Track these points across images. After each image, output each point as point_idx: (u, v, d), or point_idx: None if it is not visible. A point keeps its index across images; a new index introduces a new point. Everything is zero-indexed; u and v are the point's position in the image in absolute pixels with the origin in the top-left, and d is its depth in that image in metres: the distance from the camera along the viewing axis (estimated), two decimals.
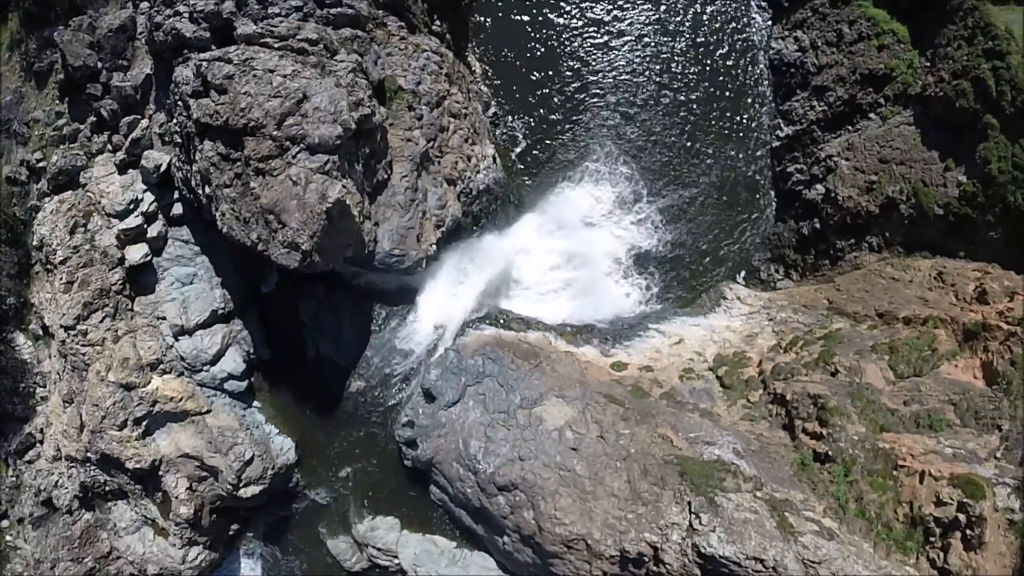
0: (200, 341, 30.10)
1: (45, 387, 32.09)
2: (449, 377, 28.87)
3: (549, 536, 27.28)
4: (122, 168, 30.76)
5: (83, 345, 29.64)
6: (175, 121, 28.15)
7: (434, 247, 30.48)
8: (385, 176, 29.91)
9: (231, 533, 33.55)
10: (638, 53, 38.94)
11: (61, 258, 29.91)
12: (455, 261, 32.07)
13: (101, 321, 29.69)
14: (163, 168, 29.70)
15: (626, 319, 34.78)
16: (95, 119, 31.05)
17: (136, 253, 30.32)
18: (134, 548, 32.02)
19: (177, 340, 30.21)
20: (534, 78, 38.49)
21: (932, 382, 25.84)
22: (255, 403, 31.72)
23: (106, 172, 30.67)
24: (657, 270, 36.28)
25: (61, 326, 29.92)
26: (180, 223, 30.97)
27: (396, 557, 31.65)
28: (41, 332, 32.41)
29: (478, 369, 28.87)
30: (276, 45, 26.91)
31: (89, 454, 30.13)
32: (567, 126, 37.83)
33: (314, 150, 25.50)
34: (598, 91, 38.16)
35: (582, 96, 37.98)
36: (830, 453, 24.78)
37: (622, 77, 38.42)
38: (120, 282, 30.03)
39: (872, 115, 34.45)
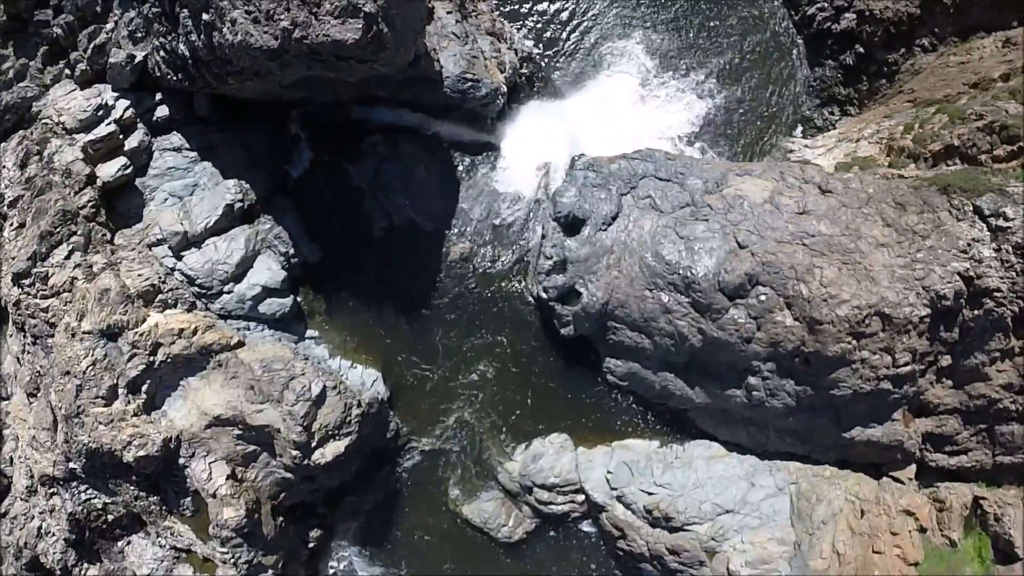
0: (214, 251, 19.39)
1: (7, 395, 21.23)
2: (592, 193, 18.53)
3: (829, 330, 16.46)
4: (84, 84, 22.76)
5: (44, 296, 19.13)
6: None
7: (504, 88, 22.15)
8: (428, 6, 22.66)
9: (311, 546, 20.35)
10: None
11: (11, 198, 20.65)
12: (528, 116, 23.67)
13: (67, 257, 19.49)
14: (137, 60, 21.75)
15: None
16: (47, 47, 23.51)
17: (111, 168, 21.12)
18: None
19: (180, 258, 20.08)
20: None
21: None
22: (309, 332, 20.20)
23: (65, 91, 22.45)
24: (708, 143, 29.60)
25: (13, 279, 19.93)
26: (167, 129, 22.17)
27: (580, 491, 18.95)
28: None
29: (628, 172, 18.85)
30: None
31: (71, 463, 18.32)
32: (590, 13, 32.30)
33: None
34: None
35: None
36: None
37: None
38: (91, 206, 20.31)
39: None
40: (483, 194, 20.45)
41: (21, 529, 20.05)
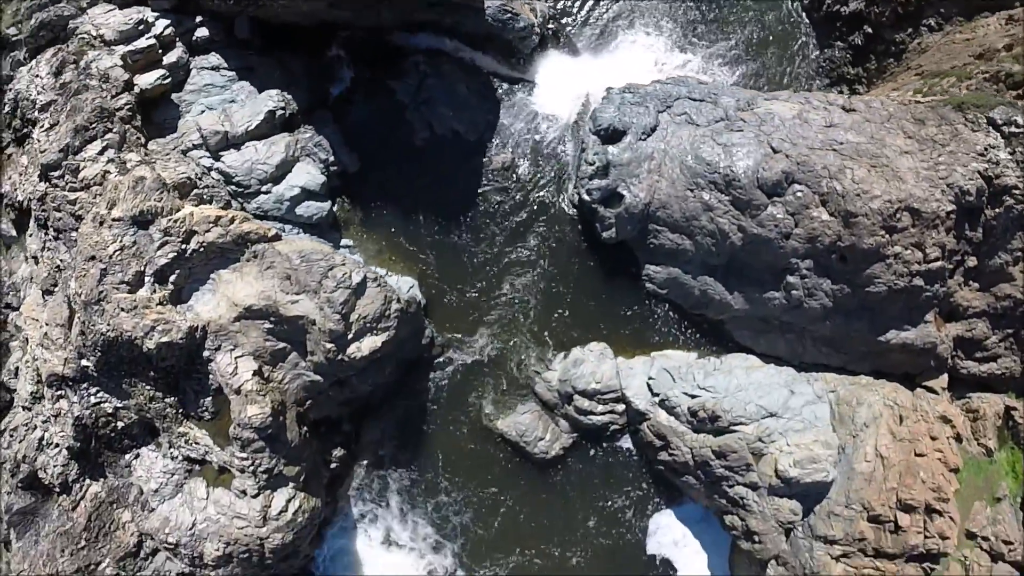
0: (254, 152, 18.97)
1: (17, 305, 19.61)
2: (630, 109, 19.01)
3: (863, 223, 16.98)
4: (124, 4, 22.70)
5: (73, 189, 18.24)
6: None
7: (538, 27, 23.01)
8: None
9: (332, 467, 18.90)
10: None
11: (43, 102, 20.03)
12: (557, 63, 24.37)
13: (100, 152, 18.88)
14: None
15: None
16: None
17: (150, 76, 20.84)
18: (178, 521, 17.04)
19: (218, 158, 19.51)
20: None
21: None
22: (344, 241, 19.67)
23: (104, 10, 22.36)
24: None
25: (41, 172, 18.91)
26: (206, 50, 22.21)
27: (621, 399, 18.19)
28: (13, 230, 20.86)
29: (664, 93, 19.40)
30: None
31: (84, 359, 16.88)
32: None
33: None
34: None
35: None
36: None
37: None
38: (128, 109, 19.93)
39: None
40: (522, 113, 20.84)
41: (21, 441, 18.30)
